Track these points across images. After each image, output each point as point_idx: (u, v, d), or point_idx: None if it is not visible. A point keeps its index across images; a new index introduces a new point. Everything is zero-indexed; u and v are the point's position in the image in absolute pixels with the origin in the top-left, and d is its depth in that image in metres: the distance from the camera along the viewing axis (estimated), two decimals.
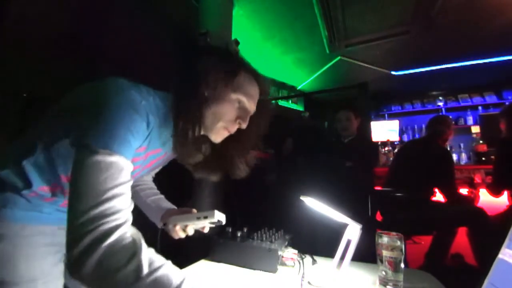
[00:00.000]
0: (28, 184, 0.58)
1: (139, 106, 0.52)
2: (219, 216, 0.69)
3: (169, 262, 0.47)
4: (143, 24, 1.93)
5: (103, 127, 0.47)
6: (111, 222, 0.42)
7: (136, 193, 0.86)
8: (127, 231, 0.44)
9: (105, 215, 0.42)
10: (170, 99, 0.64)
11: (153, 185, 0.92)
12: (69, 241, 0.41)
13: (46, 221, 0.64)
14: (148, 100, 0.57)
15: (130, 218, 0.47)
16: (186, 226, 0.73)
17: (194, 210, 0.77)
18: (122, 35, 1.72)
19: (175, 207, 0.85)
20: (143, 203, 0.84)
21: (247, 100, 0.68)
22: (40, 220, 0.63)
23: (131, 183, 0.50)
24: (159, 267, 0.43)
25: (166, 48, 2.15)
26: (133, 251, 0.42)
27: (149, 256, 0.44)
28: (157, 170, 0.91)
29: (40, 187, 0.59)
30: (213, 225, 0.73)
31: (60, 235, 0.66)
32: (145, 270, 0.41)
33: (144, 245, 0.44)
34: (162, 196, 0.89)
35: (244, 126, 0.69)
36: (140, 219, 0.72)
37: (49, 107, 0.64)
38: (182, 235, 0.74)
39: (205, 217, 0.69)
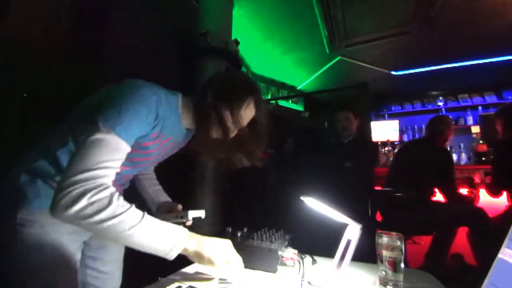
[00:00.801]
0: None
1: (148, 100, 0.64)
2: (194, 214, 0.79)
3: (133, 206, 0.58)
4: (143, 24, 1.93)
5: (112, 112, 0.59)
6: (98, 183, 0.53)
7: (139, 181, 0.96)
8: (108, 193, 0.54)
9: (95, 177, 0.53)
10: (182, 98, 0.78)
11: (154, 175, 1.01)
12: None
13: None
14: (159, 95, 0.68)
15: (111, 185, 0.57)
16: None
17: (179, 206, 0.88)
18: (122, 35, 1.72)
19: (170, 199, 0.95)
20: (145, 191, 0.95)
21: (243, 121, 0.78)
22: None
23: (122, 160, 0.60)
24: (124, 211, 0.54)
25: (166, 48, 2.15)
26: (108, 204, 0.53)
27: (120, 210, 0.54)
28: (161, 160, 0.94)
29: None
30: (195, 220, 0.83)
31: None
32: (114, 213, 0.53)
33: (116, 202, 0.54)
34: (160, 188, 0.99)
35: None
36: None
37: (49, 107, 0.68)
38: None
39: (181, 217, 0.79)
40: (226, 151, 0.82)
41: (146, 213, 0.58)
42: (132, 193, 0.92)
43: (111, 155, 0.56)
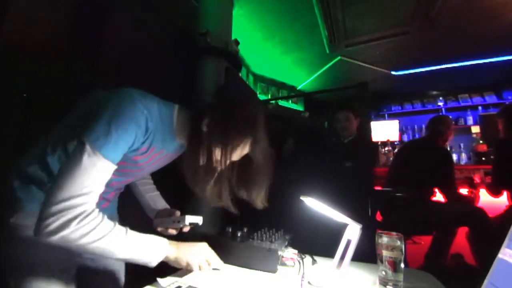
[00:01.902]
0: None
1: (138, 116, 0.62)
2: (191, 220, 0.80)
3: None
4: (143, 24, 1.93)
5: (99, 131, 0.57)
6: (83, 209, 0.54)
7: (136, 187, 0.94)
8: (93, 217, 0.56)
9: (80, 204, 0.54)
10: (177, 111, 0.74)
11: (151, 180, 1.00)
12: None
13: None
14: (150, 109, 0.65)
15: (95, 207, 0.58)
16: (166, 228, 0.85)
17: (178, 213, 0.87)
18: (121, 35, 1.72)
19: (167, 206, 0.95)
20: (143, 197, 0.94)
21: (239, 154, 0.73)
22: None
23: (107, 179, 0.60)
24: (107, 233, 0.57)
25: (166, 48, 2.15)
26: (93, 228, 0.55)
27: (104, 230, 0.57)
28: (156, 169, 0.93)
29: None
30: (192, 226, 0.85)
31: None
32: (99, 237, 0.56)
33: (101, 225, 0.57)
34: (158, 193, 0.98)
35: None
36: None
37: (49, 107, 0.68)
38: (166, 234, 0.85)
39: (178, 222, 0.81)
40: (207, 183, 0.76)
41: (128, 228, 0.62)
42: (130, 198, 0.92)
43: (97, 177, 0.57)
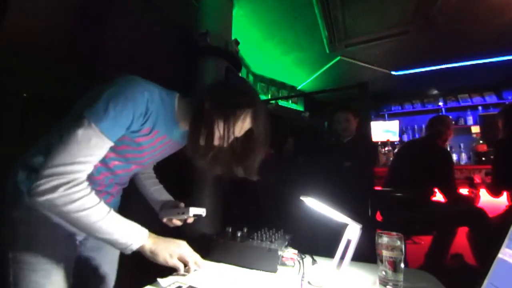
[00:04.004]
0: None
1: (137, 95, 0.64)
2: (195, 212, 0.82)
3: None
4: (143, 24, 1.93)
5: (98, 107, 0.60)
6: (74, 177, 0.57)
7: (140, 181, 0.96)
8: (81, 188, 0.59)
9: (72, 172, 0.57)
10: (178, 98, 0.77)
11: (154, 174, 1.01)
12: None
13: None
14: (151, 92, 0.68)
15: (85, 179, 0.60)
16: (171, 219, 0.86)
17: (182, 204, 0.89)
18: (121, 35, 1.72)
19: (171, 198, 0.96)
20: (147, 191, 0.95)
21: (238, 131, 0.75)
22: None
23: (102, 155, 0.63)
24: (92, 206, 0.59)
25: (166, 48, 2.15)
26: (78, 198, 0.58)
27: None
28: (160, 158, 0.94)
29: None
30: (196, 217, 0.86)
31: None
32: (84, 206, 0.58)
33: (87, 197, 0.59)
34: (161, 186, 1.00)
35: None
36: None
37: (49, 107, 0.68)
38: (171, 225, 0.88)
39: (183, 213, 0.83)
40: (215, 160, 0.80)
41: (112, 209, 0.63)
42: (134, 193, 0.92)
43: (91, 150, 0.59)
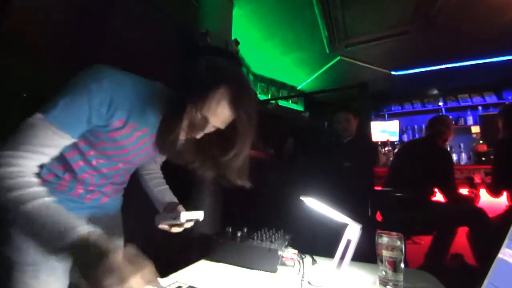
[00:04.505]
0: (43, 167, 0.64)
1: (93, 84, 0.58)
2: (188, 216, 0.74)
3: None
4: (143, 24, 1.93)
5: (50, 100, 0.57)
6: (11, 162, 0.53)
7: (145, 181, 0.92)
8: (14, 170, 0.53)
9: (12, 156, 0.53)
10: (161, 89, 0.69)
11: (160, 174, 0.97)
12: None
13: None
14: (117, 81, 0.61)
15: (28, 166, 0.55)
16: (166, 224, 0.79)
17: (180, 207, 0.84)
18: (122, 35, 1.72)
19: (175, 199, 0.90)
20: (151, 192, 0.91)
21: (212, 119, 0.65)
22: None
23: (55, 148, 0.58)
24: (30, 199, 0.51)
25: (166, 48, 2.15)
26: (5, 179, 0.51)
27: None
28: (162, 157, 0.92)
29: (54, 164, 0.66)
30: (192, 222, 0.79)
31: None
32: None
33: (16, 180, 0.52)
34: (167, 187, 0.94)
35: (197, 136, 0.69)
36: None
37: None
38: (170, 231, 0.79)
39: (174, 218, 0.75)
40: (187, 154, 0.72)
41: (46, 201, 0.53)
42: (139, 194, 0.91)
43: (38, 140, 0.55)
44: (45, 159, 0.57)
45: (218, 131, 0.70)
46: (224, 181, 0.75)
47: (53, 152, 0.58)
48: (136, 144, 0.70)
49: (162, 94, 0.68)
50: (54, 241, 0.49)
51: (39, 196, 0.52)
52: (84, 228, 0.50)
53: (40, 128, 0.55)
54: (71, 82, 0.59)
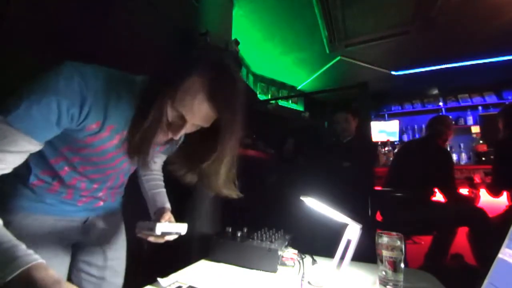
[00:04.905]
0: (30, 170, 0.63)
1: (61, 81, 0.51)
2: (164, 229, 0.66)
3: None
4: (143, 24, 1.93)
5: (12, 98, 0.49)
6: None
7: (142, 184, 0.88)
8: None
9: None
10: (138, 82, 0.61)
11: (159, 175, 0.91)
12: None
13: (49, 212, 0.67)
14: (89, 76, 0.54)
15: None
16: (142, 233, 0.70)
17: (166, 216, 0.76)
18: (121, 35, 1.72)
19: (167, 205, 0.84)
20: (146, 194, 0.87)
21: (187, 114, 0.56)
22: (44, 210, 0.66)
23: (20, 154, 0.51)
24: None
25: (166, 48, 2.15)
26: None
27: None
28: (162, 157, 0.89)
29: (41, 171, 0.64)
30: (174, 236, 0.71)
31: (62, 226, 0.69)
32: None
33: None
34: (162, 190, 0.88)
35: (175, 137, 0.60)
36: None
37: None
38: (150, 242, 0.71)
39: (150, 229, 0.65)
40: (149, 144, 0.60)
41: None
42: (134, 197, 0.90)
43: (2, 146, 0.48)
44: (5, 168, 0.50)
45: (202, 131, 0.61)
46: (210, 190, 0.67)
47: (16, 159, 0.51)
48: (119, 149, 0.63)
49: (143, 89, 0.59)
50: None
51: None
52: (22, 261, 0.43)
53: (3, 133, 0.47)
54: (36, 80, 0.51)
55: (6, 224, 0.57)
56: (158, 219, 0.75)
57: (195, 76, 0.53)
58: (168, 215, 0.79)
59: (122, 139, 0.62)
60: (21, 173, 0.62)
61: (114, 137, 0.61)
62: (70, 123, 0.53)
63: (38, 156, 0.61)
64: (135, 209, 0.86)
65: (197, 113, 0.55)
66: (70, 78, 0.51)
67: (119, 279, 0.84)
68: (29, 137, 0.50)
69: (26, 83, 0.51)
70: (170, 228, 0.68)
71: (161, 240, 0.70)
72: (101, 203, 0.76)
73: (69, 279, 0.74)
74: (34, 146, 0.52)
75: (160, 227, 0.64)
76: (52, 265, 0.64)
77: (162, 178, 0.91)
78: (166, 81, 0.54)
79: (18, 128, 0.48)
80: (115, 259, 0.83)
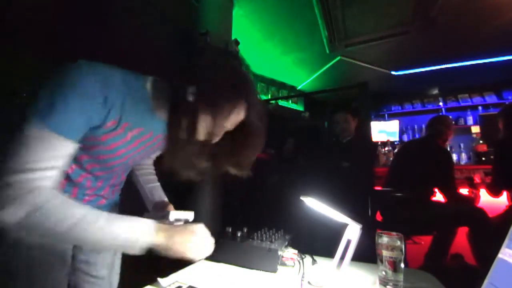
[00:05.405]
0: None
1: (88, 82, 0.53)
2: (177, 216, 0.74)
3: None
4: (143, 24, 1.93)
5: (43, 103, 0.50)
6: (32, 187, 0.47)
7: (136, 177, 0.90)
8: (45, 198, 0.48)
9: (27, 181, 0.47)
10: (152, 83, 0.65)
11: (152, 169, 0.94)
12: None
13: None
14: (107, 75, 0.57)
15: (50, 184, 0.50)
16: None
17: (170, 207, 0.83)
18: (122, 35, 1.72)
19: (165, 198, 0.89)
20: (141, 188, 0.89)
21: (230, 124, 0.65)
22: None
23: (65, 158, 0.52)
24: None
25: (166, 48, 2.15)
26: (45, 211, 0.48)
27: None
28: (155, 153, 0.90)
29: None
30: (181, 223, 0.76)
31: None
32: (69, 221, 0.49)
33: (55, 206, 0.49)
34: (158, 184, 0.92)
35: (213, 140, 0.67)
36: None
37: None
38: None
39: (163, 217, 0.73)
40: (199, 156, 0.69)
41: (103, 212, 0.54)
42: (134, 191, 0.91)
43: (46, 152, 0.49)
44: (58, 175, 0.52)
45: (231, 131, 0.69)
46: (228, 177, 0.75)
47: (65, 164, 0.53)
48: (130, 145, 0.66)
49: (156, 88, 0.64)
50: (129, 248, 0.53)
51: (96, 220, 0.51)
52: (150, 234, 0.55)
53: (46, 140, 0.48)
54: (55, 81, 0.52)
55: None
56: (162, 211, 0.80)
57: (241, 99, 0.62)
58: (172, 206, 0.84)
59: (135, 136, 0.65)
60: None
61: (127, 135, 0.63)
62: (97, 119, 0.55)
63: None
64: (130, 205, 0.86)
65: (235, 121, 0.65)
66: (92, 76, 0.53)
67: (117, 276, 0.86)
68: (65, 138, 0.51)
69: (46, 84, 0.51)
70: (181, 215, 0.76)
71: None
72: (104, 201, 0.77)
73: (69, 279, 0.74)
74: (72, 149, 0.54)
75: (173, 215, 0.73)
76: (56, 264, 0.66)
77: (154, 172, 0.95)
78: (211, 103, 0.59)
79: (59, 133, 0.50)
80: (113, 257, 0.84)
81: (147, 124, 0.65)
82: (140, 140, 0.67)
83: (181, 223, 0.76)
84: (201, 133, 0.62)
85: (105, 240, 0.52)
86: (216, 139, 0.66)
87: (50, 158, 0.49)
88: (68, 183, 0.66)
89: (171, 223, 0.73)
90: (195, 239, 0.61)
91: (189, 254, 0.59)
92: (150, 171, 0.93)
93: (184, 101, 0.59)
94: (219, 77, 0.61)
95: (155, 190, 0.90)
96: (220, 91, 0.60)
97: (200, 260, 0.70)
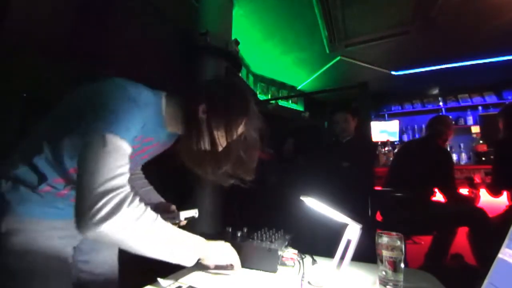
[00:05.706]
0: (43, 178, 0.64)
1: (138, 98, 0.61)
2: (186, 215, 0.83)
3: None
4: (143, 24, 1.93)
5: (109, 116, 0.55)
6: (127, 191, 0.53)
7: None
8: (138, 200, 0.55)
9: (121, 185, 0.52)
10: (166, 99, 0.72)
11: (141, 174, 0.99)
12: (87, 208, 0.48)
13: (59, 216, 0.69)
14: (142, 94, 0.64)
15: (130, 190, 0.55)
16: None
17: (173, 207, 0.88)
18: (122, 35, 1.72)
19: (162, 199, 0.94)
20: (136, 193, 0.90)
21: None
22: (54, 214, 0.68)
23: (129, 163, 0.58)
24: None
25: (166, 48, 2.15)
26: (142, 208, 0.54)
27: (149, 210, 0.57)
28: (145, 160, 0.91)
29: (55, 179, 0.66)
30: (188, 220, 0.86)
31: (71, 229, 0.69)
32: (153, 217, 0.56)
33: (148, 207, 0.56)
34: (151, 187, 0.97)
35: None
36: None
37: (49, 107, 0.67)
38: None
39: (173, 218, 0.82)
40: (211, 164, 0.76)
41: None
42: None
43: (123, 159, 0.55)
44: (128, 175, 0.57)
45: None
46: (237, 181, 0.82)
47: (130, 165, 0.58)
48: (139, 151, 0.71)
49: (169, 103, 0.72)
50: (185, 258, 0.62)
51: (167, 225, 0.59)
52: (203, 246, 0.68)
53: (120, 148, 0.54)
54: (114, 99, 0.58)
55: (17, 231, 0.61)
56: (165, 211, 0.86)
57: (246, 116, 0.73)
58: (174, 206, 0.89)
59: (145, 143, 0.71)
60: (30, 180, 0.64)
61: (141, 142, 0.69)
62: (138, 131, 0.63)
63: (56, 165, 0.64)
64: None
65: (237, 133, 0.74)
66: (139, 94, 0.63)
67: (115, 274, 0.87)
68: (129, 145, 0.57)
69: (111, 101, 0.58)
70: (188, 213, 0.84)
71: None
72: None
73: None
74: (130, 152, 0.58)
75: (183, 214, 0.82)
76: (60, 267, 0.67)
77: (143, 176, 0.99)
78: (228, 118, 0.70)
79: (126, 141, 0.56)
80: (112, 255, 0.86)
81: (157, 135, 0.73)
82: (148, 148, 0.74)
83: (186, 221, 0.84)
84: (214, 145, 0.70)
85: (174, 240, 0.60)
86: (220, 149, 0.73)
87: (127, 163, 0.56)
88: (72, 190, 0.67)
89: (180, 222, 0.82)
90: (226, 252, 0.74)
91: (219, 264, 0.72)
92: (140, 176, 0.97)
93: (197, 116, 0.68)
94: (229, 95, 0.71)
95: (151, 193, 0.94)
96: (231, 108, 0.70)
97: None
